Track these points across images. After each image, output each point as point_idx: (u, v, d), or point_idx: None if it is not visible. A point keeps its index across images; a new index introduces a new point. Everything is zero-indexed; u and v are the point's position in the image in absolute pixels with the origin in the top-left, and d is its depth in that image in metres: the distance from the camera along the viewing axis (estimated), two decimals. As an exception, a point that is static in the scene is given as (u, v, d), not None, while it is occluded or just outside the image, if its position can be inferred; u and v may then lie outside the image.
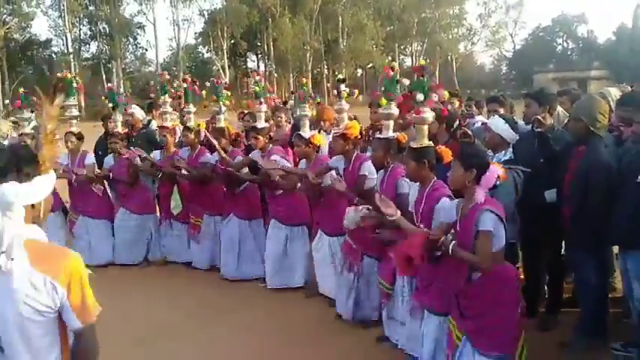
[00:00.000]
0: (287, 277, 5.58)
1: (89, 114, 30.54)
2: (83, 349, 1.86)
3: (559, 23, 53.37)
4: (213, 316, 5.06)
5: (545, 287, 4.56)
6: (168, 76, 6.75)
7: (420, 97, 3.67)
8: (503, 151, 3.99)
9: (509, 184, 3.82)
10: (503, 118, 4.14)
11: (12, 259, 1.69)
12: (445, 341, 3.42)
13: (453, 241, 3.09)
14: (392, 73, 4.21)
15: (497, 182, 3.19)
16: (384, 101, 4.16)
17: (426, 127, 3.73)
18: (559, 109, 4.86)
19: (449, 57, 48.73)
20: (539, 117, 4.25)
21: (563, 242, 4.29)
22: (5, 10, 39.21)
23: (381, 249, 4.29)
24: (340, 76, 5.43)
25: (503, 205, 3.71)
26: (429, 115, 3.72)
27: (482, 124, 5.52)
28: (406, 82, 4.13)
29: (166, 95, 6.42)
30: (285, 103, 8.34)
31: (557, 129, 4.39)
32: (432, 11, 46.88)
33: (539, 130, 4.18)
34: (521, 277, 4.54)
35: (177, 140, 6.53)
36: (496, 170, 3.16)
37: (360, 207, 4.16)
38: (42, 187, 1.82)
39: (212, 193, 6.16)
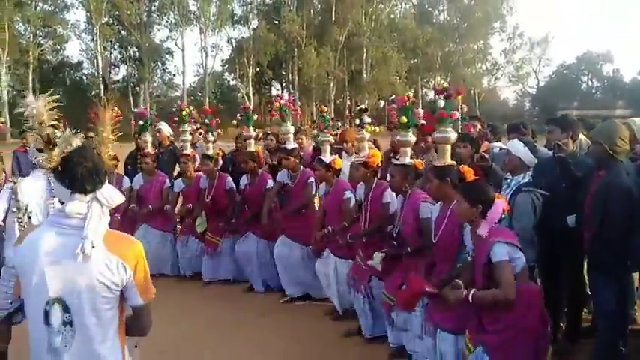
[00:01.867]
0: (303, 290, 5.81)
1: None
2: (140, 322, 2.19)
3: (584, 61, 53.30)
4: (233, 328, 5.14)
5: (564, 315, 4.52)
6: (187, 108, 6.93)
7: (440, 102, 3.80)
8: (522, 174, 4.03)
9: (528, 207, 3.87)
10: (523, 142, 4.18)
11: (93, 246, 1.98)
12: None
13: (473, 290, 3.08)
14: (407, 101, 4.35)
15: (503, 216, 3.24)
16: (404, 120, 4.25)
17: (448, 146, 3.84)
18: (581, 136, 4.88)
19: (472, 91, 48.87)
20: (559, 142, 4.29)
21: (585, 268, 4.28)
22: (41, 33, 40.61)
23: (388, 270, 4.38)
24: (363, 106, 5.54)
25: (521, 226, 3.77)
26: (452, 135, 3.81)
27: (500, 149, 5.57)
28: (420, 111, 4.27)
29: (186, 125, 6.64)
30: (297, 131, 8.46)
31: (578, 155, 4.40)
32: (455, 45, 47.22)
33: (559, 155, 4.22)
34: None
35: (196, 166, 6.71)
36: (501, 204, 3.22)
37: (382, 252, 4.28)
38: None
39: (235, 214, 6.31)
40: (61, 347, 2.02)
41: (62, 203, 2.11)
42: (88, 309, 2.02)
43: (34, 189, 3.82)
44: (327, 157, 5.42)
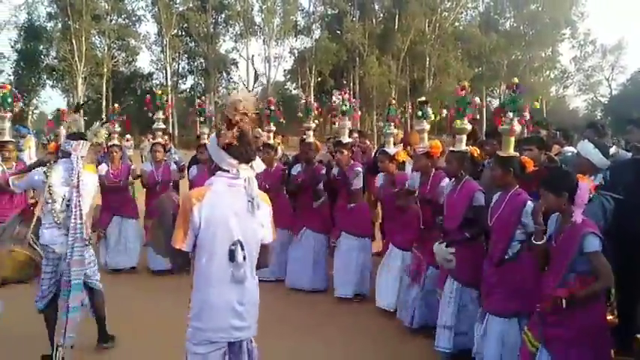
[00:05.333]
0: (356, 287, 5.85)
1: (181, 143, 32.31)
2: (268, 256, 2.82)
3: (662, 68, 50.49)
4: (283, 327, 5.16)
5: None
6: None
7: (510, 114, 3.92)
8: (593, 177, 3.85)
9: (597, 210, 3.71)
10: (594, 144, 4.01)
11: (257, 199, 2.63)
12: (510, 344, 3.61)
13: (570, 295, 3.07)
14: (463, 92, 4.48)
15: (591, 195, 3.29)
16: (458, 122, 4.35)
17: (512, 138, 3.90)
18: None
19: (539, 100, 47.23)
20: (637, 144, 4.08)
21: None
22: (115, 45, 42.68)
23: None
24: (423, 98, 5.58)
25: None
26: (517, 127, 3.93)
27: (572, 153, 5.37)
28: (477, 100, 4.34)
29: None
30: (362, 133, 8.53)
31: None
32: (522, 53, 45.90)
33: (636, 157, 4.01)
34: (614, 315, 4.31)
35: None
36: (586, 186, 3.21)
37: (444, 246, 4.31)
38: None
39: (280, 207, 6.36)
40: (243, 277, 2.60)
41: (222, 170, 2.65)
42: (254, 246, 2.66)
43: None
44: (390, 149, 5.46)
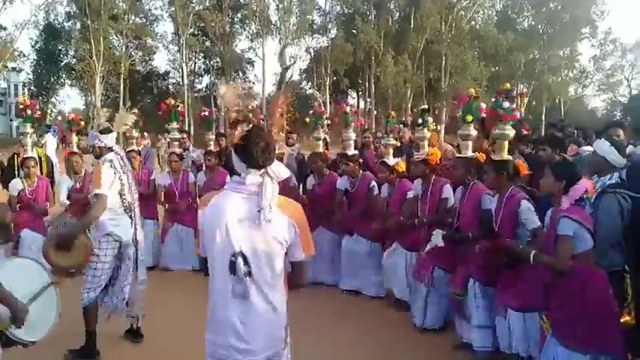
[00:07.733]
0: (364, 285, 5.99)
1: (198, 142, 32.42)
2: (300, 276, 2.50)
3: (683, 67, 49.52)
4: (312, 326, 5.17)
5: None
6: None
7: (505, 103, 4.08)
8: (609, 175, 3.80)
9: (614, 209, 3.65)
10: (610, 142, 3.95)
11: (271, 210, 2.29)
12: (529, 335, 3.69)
13: (533, 251, 3.32)
14: (469, 99, 4.56)
15: (585, 195, 3.36)
16: (469, 117, 4.38)
17: (506, 142, 4.06)
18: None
19: (557, 99, 46.72)
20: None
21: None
22: (132, 45, 43.07)
23: (451, 261, 4.60)
24: (424, 107, 5.68)
25: (606, 229, 3.59)
26: (509, 131, 4.05)
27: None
28: (483, 105, 4.39)
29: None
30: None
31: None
32: (540, 52, 45.39)
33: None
34: (631, 316, 4.23)
35: None
36: (585, 184, 3.28)
37: (440, 236, 4.47)
38: None
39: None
40: (244, 293, 2.32)
41: (238, 174, 2.40)
42: (264, 262, 2.33)
43: None
44: (390, 160, 5.54)
